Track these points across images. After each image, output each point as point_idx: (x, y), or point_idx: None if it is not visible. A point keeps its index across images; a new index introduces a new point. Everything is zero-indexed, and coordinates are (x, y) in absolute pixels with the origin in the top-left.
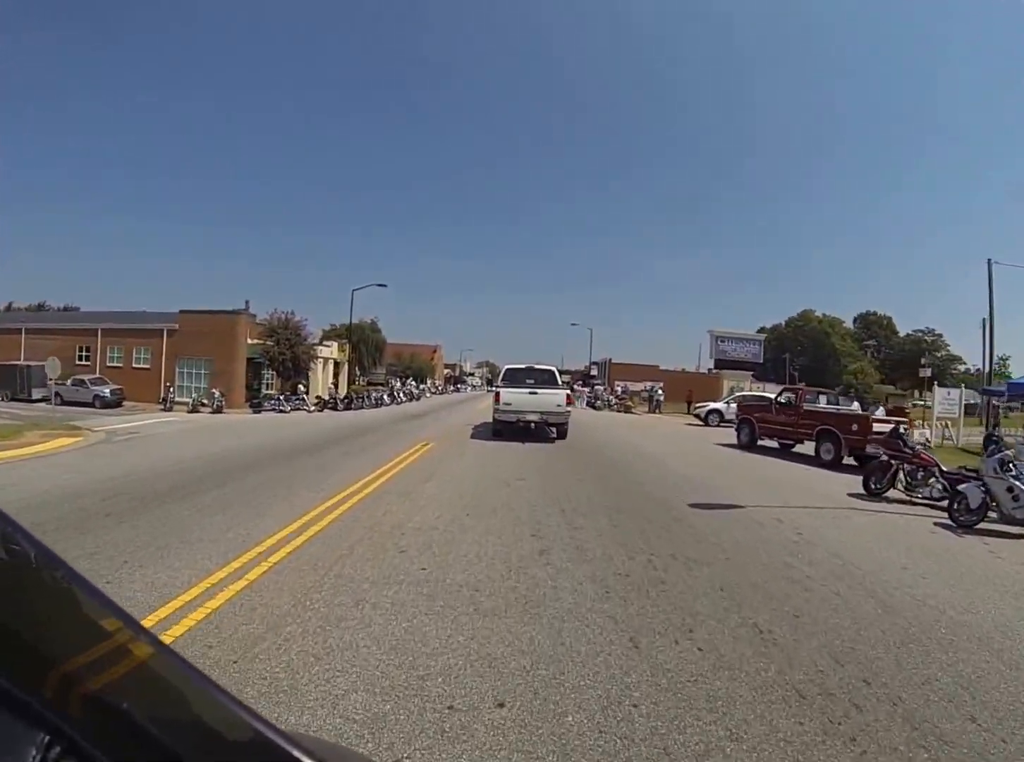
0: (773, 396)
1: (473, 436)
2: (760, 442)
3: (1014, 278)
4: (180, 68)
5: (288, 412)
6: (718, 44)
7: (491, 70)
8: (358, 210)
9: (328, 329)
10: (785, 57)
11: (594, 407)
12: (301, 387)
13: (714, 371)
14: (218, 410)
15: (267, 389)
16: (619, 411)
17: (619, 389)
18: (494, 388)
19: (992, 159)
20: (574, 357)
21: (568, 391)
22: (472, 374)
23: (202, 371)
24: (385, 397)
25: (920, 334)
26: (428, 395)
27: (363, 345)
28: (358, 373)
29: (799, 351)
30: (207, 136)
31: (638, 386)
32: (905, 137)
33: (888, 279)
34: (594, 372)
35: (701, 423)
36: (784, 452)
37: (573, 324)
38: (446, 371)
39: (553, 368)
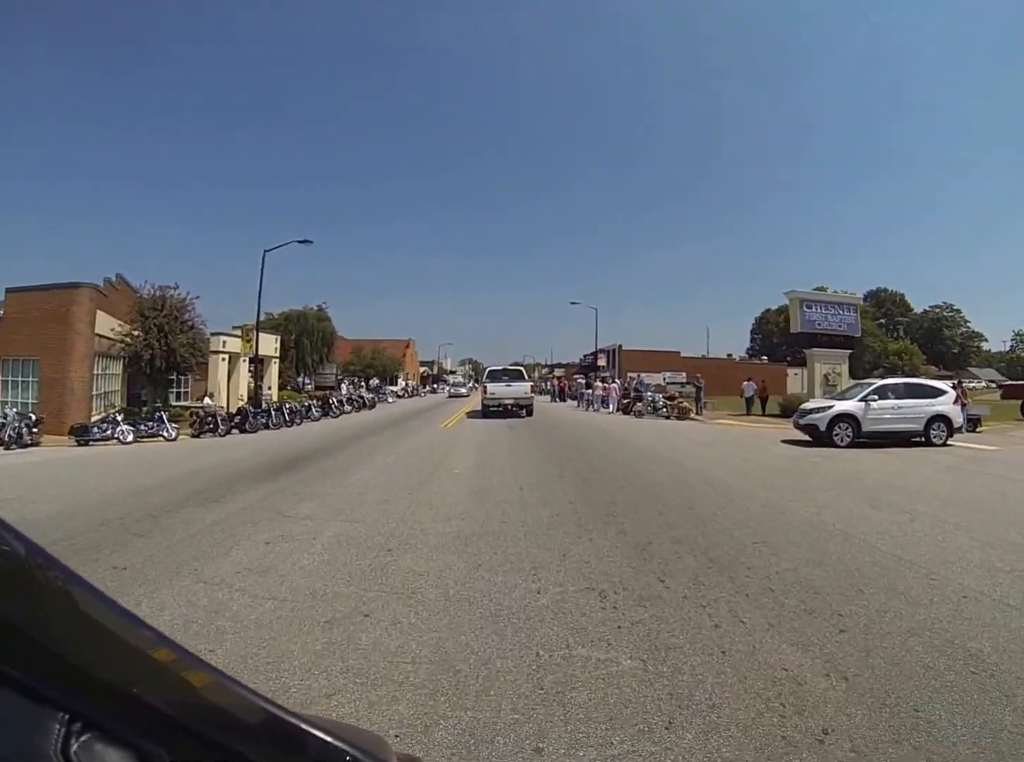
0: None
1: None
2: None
3: None
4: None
5: (130, 443)
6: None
7: (468, 66)
8: (327, 205)
9: (265, 318)
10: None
11: (633, 412)
12: (208, 400)
13: (805, 351)
14: (17, 439)
15: (181, 401)
16: (668, 417)
17: (632, 380)
18: (481, 385)
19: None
20: (563, 350)
21: (532, 383)
22: (454, 372)
23: (30, 378)
24: (314, 409)
25: (937, 310)
26: (391, 400)
27: (306, 338)
28: (301, 374)
29: None
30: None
31: (655, 377)
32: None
33: (896, 253)
34: (602, 361)
35: (811, 440)
36: None
37: (573, 302)
38: (422, 369)
39: (521, 368)
